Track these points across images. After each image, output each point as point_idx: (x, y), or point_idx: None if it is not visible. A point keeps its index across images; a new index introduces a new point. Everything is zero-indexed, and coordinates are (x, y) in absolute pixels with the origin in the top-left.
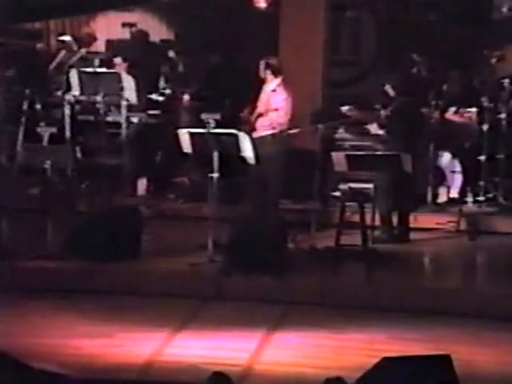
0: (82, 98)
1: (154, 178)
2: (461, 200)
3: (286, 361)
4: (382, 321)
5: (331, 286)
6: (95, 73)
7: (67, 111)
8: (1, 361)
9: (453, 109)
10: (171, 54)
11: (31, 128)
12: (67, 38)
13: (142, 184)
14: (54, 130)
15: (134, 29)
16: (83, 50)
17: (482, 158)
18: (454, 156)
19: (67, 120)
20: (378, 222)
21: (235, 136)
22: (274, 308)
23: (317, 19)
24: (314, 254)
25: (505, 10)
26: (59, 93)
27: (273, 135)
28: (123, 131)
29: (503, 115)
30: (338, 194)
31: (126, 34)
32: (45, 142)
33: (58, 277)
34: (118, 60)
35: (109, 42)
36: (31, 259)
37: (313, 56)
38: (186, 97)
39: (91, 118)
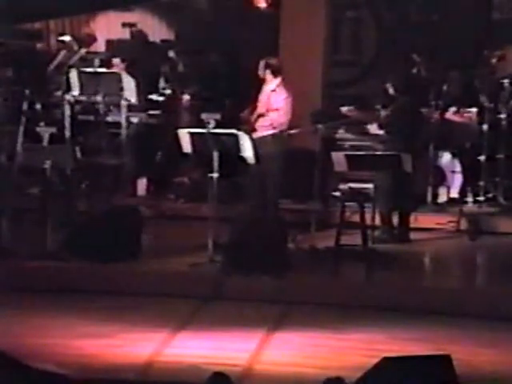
0: (82, 98)
1: (154, 178)
2: (461, 200)
3: (285, 361)
4: (382, 321)
5: (331, 285)
6: (95, 73)
7: (67, 111)
8: (0, 361)
9: (453, 109)
10: (171, 53)
11: (31, 128)
12: (67, 38)
13: (141, 184)
14: (53, 130)
15: (133, 29)
16: (83, 50)
17: (482, 158)
18: (454, 156)
19: (67, 120)
20: (378, 222)
21: (235, 136)
22: (273, 308)
23: (317, 19)
24: (314, 253)
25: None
26: (59, 93)
27: (273, 135)
28: (123, 131)
29: (503, 115)
30: (337, 193)
31: (126, 34)
32: (45, 142)
33: (58, 277)
34: (116, 61)
35: (109, 42)
36: (31, 259)
37: (313, 56)
38: (186, 97)
39: (91, 117)
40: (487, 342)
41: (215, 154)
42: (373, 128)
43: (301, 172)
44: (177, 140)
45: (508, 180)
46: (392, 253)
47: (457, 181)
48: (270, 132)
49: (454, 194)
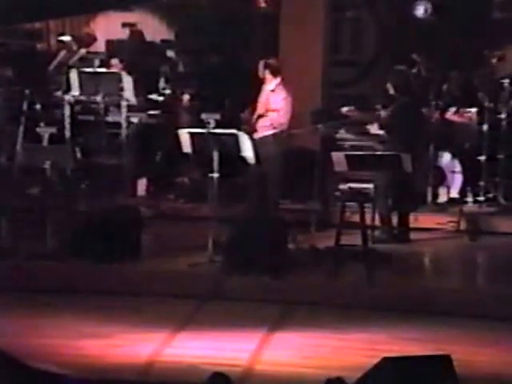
0: (82, 98)
1: (153, 178)
2: (461, 200)
3: (286, 361)
4: (382, 321)
5: (331, 285)
6: (95, 73)
7: (67, 111)
8: (0, 361)
9: (453, 109)
10: (171, 54)
11: (31, 128)
12: (67, 38)
13: (141, 184)
14: (53, 130)
15: (133, 29)
16: (83, 50)
17: (482, 158)
18: (454, 156)
19: (67, 120)
20: (378, 222)
21: (235, 136)
22: (273, 308)
23: (317, 19)
24: (314, 253)
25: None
26: (59, 93)
27: (273, 135)
28: (123, 131)
29: (503, 115)
30: (337, 193)
31: (126, 34)
32: (45, 142)
33: (58, 277)
34: (114, 61)
35: (109, 42)
36: (31, 259)
37: (313, 56)
38: (186, 97)
39: (91, 117)
40: (487, 342)
41: (215, 154)
42: (373, 128)
43: (301, 172)
44: (177, 140)
45: (508, 180)
46: (392, 253)
47: (457, 181)
48: (270, 132)
49: (454, 194)
